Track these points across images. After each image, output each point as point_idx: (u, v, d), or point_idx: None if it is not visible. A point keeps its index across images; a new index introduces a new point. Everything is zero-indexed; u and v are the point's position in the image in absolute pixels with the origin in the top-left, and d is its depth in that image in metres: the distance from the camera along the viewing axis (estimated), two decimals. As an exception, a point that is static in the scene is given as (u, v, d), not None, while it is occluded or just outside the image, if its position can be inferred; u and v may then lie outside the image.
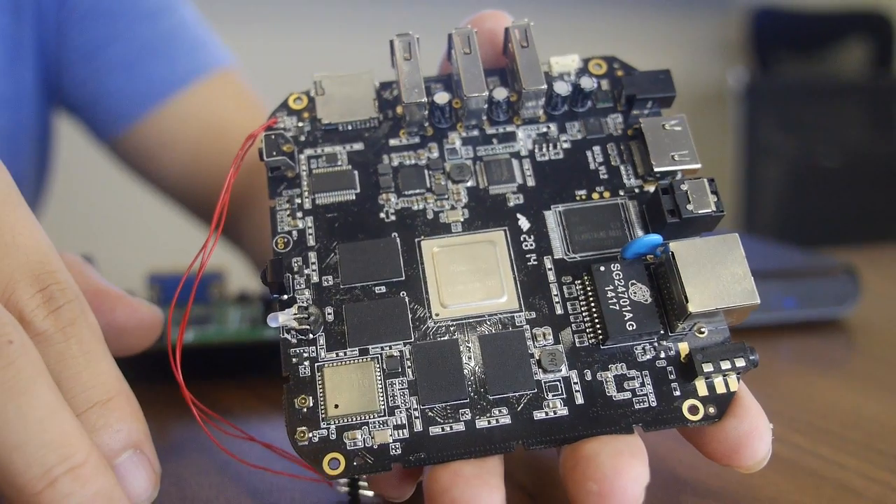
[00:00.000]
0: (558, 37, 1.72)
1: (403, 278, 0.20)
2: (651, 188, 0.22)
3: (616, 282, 0.20)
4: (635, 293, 0.20)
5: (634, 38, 1.84)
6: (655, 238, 0.20)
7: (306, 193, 0.21)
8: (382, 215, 0.21)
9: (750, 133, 1.37)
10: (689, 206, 0.20)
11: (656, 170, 0.21)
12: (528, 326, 0.20)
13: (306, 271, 0.20)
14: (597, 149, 0.23)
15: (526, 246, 0.21)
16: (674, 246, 0.19)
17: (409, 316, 0.20)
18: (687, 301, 0.19)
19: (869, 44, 1.94)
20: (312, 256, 0.21)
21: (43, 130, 0.48)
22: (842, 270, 0.37)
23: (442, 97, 0.22)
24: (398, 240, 0.21)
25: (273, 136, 0.21)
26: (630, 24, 1.88)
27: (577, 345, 0.20)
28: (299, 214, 0.21)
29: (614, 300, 0.19)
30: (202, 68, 0.46)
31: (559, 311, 0.20)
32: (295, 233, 0.21)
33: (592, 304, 0.20)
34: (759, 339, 0.34)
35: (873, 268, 0.42)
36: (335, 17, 1.65)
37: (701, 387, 0.19)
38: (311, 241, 0.21)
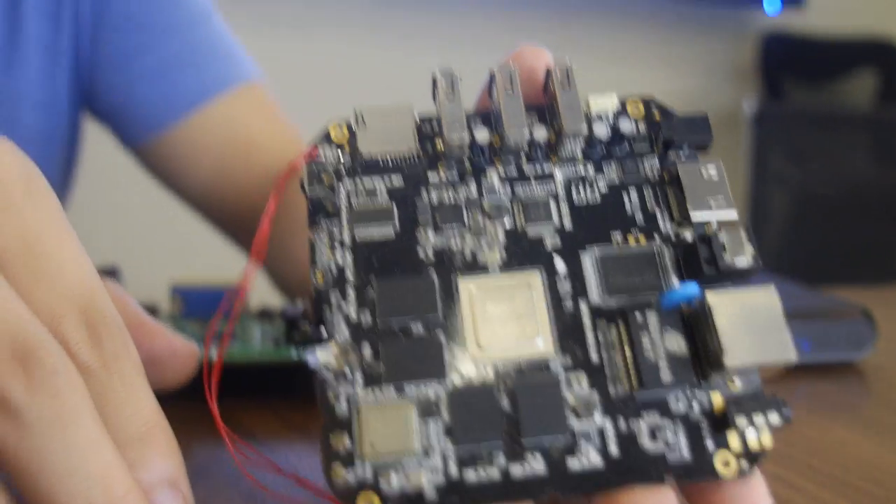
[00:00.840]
0: (575, 55, 1.73)
1: (441, 317, 0.20)
2: (687, 234, 0.22)
3: (652, 331, 0.20)
4: (670, 343, 0.20)
5: (647, 59, 1.85)
6: (693, 289, 0.20)
7: (345, 227, 0.21)
8: (420, 252, 0.21)
9: (758, 161, 1.37)
10: (727, 257, 0.20)
11: (693, 217, 0.21)
12: (562, 371, 0.20)
13: (344, 307, 0.20)
14: (633, 192, 0.23)
15: (562, 289, 0.21)
16: (710, 297, 0.19)
17: (446, 356, 0.20)
18: (723, 354, 0.19)
19: (877, 73, 1.95)
20: (350, 292, 0.21)
21: (73, 135, 0.49)
22: (858, 312, 0.37)
23: (483, 135, 0.22)
24: (436, 278, 0.21)
25: (315, 168, 0.22)
26: (643, 45, 1.88)
27: (612, 393, 0.20)
28: (338, 248, 0.21)
29: (650, 349, 0.19)
30: (230, 80, 0.47)
31: (594, 357, 0.20)
32: (334, 267, 0.21)
33: (627, 353, 0.20)
34: (774, 383, 0.34)
35: (884, 308, 0.42)
36: (350, 25, 1.66)
37: (734, 441, 0.19)
38: (350, 276, 0.21)
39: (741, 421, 0.18)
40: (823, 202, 1.40)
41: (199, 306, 0.33)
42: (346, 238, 0.21)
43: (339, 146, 0.23)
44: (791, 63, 1.89)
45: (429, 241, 0.21)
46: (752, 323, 0.19)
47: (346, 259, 0.21)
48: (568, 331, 0.20)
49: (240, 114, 0.48)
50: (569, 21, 1.81)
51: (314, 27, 1.59)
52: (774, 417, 0.19)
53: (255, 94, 0.49)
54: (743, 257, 0.20)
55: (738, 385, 0.20)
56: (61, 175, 0.50)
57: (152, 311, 0.33)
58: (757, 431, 0.19)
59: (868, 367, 0.37)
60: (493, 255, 0.21)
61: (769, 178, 1.36)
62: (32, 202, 0.18)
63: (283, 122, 0.50)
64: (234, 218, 0.48)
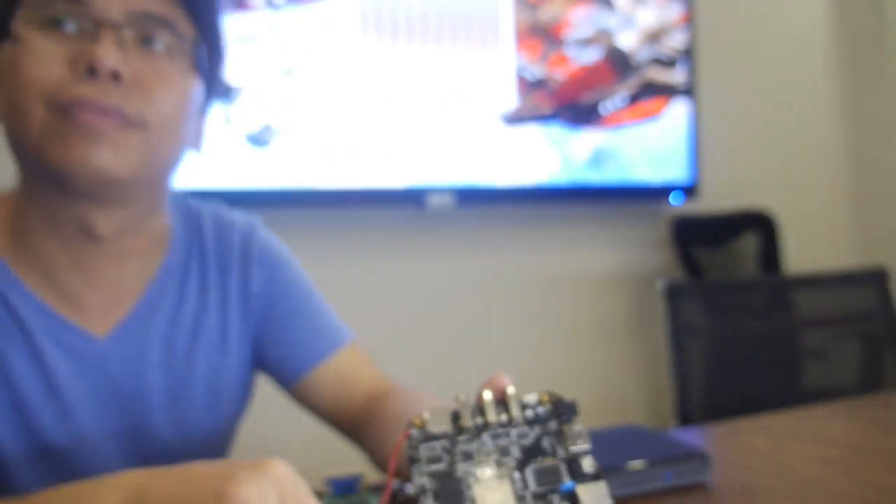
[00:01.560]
0: (536, 240, 2.11)
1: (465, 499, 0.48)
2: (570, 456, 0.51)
3: (556, 502, 0.48)
4: (565, 506, 0.48)
5: (591, 241, 2.25)
6: (571, 484, 0.48)
7: (423, 465, 0.49)
8: (459, 472, 0.49)
9: (673, 320, 1.66)
10: (585, 468, 0.49)
11: (570, 450, 0.51)
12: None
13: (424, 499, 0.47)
14: (545, 438, 0.52)
15: (518, 485, 0.49)
16: (579, 488, 0.47)
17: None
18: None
19: (759, 235, 2.38)
20: (430, 498, 0.48)
21: (248, 396, 0.78)
22: (700, 454, 0.66)
23: (478, 420, 0.52)
24: (464, 488, 0.49)
25: (411, 442, 0.50)
26: (587, 230, 2.30)
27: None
28: (421, 476, 0.48)
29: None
30: (340, 342, 0.77)
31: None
32: (419, 484, 0.48)
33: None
34: (648, 499, 0.60)
35: (726, 441, 0.70)
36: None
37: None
38: (428, 487, 0.48)
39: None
40: (731, 347, 1.70)
41: (341, 488, 0.60)
42: (424, 471, 0.49)
43: (419, 427, 0.51)
44: (695, 235, 2.30)
45: (461, 468, 0.50)
46: (599, 496, 0.48)
47: (424, 480, 0.49)
48: (520, 500, 0.48)
49: (348, 362, 0.76)
50: (532, 215, 2.22)
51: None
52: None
53: (355, 350, 0.78)
54: (591, 468, 0.49)
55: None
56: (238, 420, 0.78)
57: (319, 495, 0.60)
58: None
59: (709, 485, 0.64)
60: (489, 471, 0.49)
61: (685, 332, 1.64)
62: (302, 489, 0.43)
63: (370, 362, 0.79)
64: (347, 425, 0.74)
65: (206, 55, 0.62)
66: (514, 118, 2.11)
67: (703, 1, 2.44)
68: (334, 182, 1.88)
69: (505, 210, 2.18)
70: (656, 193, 2.32)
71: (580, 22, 2.20)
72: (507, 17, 2.10)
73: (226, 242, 0.74)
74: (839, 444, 0.70)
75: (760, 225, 2.35)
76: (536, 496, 0.46)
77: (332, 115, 1.89)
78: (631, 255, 2.37)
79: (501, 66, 2.10)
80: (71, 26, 0.56)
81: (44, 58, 0.55)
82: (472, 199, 2.06)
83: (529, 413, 0.50)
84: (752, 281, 2.01)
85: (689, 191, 2.33)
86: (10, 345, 0.61)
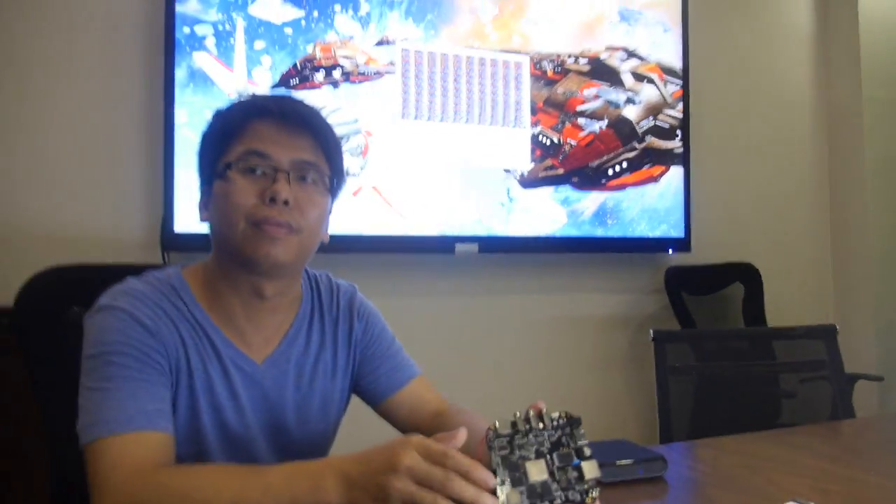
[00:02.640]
0: (550, 285, 2.45)
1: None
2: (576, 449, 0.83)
3: (570, 471, 0.80)
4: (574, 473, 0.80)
5: (598, 285, 2.58)
6: (577, 461, 0.80)
7: (497, 454, 0.80)
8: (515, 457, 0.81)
9: (661, 363, 1.93)
10: (585, 453, 0.81)
11: (578, 444, 0.83)
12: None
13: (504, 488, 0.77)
14: (565, 438, 0.83)
15: (550, 463, 0.81)
16: (583, 464, 0.79)
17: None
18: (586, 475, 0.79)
19: (744, 285, 2.69)
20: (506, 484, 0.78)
21: (344, 405, 1.07)
22: (661, 457, 0.97)
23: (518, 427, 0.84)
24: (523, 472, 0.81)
25: (492, 437, 0.80)
26: (595, 276, 2.63)
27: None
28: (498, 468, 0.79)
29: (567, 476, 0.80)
30: (415, 374, 1.07)
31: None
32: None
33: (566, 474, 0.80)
34: (627, 485, 0.91)
35: (686, 452, 1.02)
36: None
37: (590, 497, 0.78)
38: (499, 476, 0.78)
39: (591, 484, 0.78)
40: (711, 385, 1.97)
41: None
42: (497, 455, 0.79)
43: (494, 430, 0.82)
44: (686, 284, 2.62)
45: (518, 453, 0.80)
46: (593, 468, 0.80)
47: (497, 459, 0.79)
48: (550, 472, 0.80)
49: (419, 389, 1.04)
50: (545, 262, 2.55)
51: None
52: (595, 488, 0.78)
53: (424, 381, 1.07)
54: (588, 453, 0.80)
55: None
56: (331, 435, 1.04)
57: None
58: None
59: (666, 479, 0.95)
60: (532, 455, 0.81)
61: (671, 373, 1.90)
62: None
63: (433, 389, 1.07)
64: (419, 430, 0.99)
65: (335, 182, 0.96)
66: (531, 179, 2.45)
67: (696, 78, 2.78)
68: (379, 230, 2.22)
69: (521, 257, 2.51)
70: (653, 246, 2.65)
71: (590, 97, 2.55)
72: (526, 93, 2.45)
73: (336, 302, 1.03)
74: (761, 457, 1.01)
75: (746, 276, 2.66)
76: (559, 468, 0.77)
77: (376, 175, 2.24)
78: (630, 300, 2.70)
79: (520, 135, 2.45)
80: (259, 171, 0.88)
81: (245, 192, 0.86)
82: (493, 247, 2.39)
83: (554, 423, 0.80)
84: (727, 331, 2.32)
85: (682, 244, 2.66)
86: (210, 365, 0.92)
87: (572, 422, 0.80)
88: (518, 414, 0.77)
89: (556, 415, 0.80)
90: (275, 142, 0.87)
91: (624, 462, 0.92)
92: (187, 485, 0.71)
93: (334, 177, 0.93)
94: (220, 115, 0.92)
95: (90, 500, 0.74)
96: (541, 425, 0.77)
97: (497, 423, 0.77)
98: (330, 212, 0.95)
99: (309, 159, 0.89)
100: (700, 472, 0.99)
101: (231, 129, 0.88)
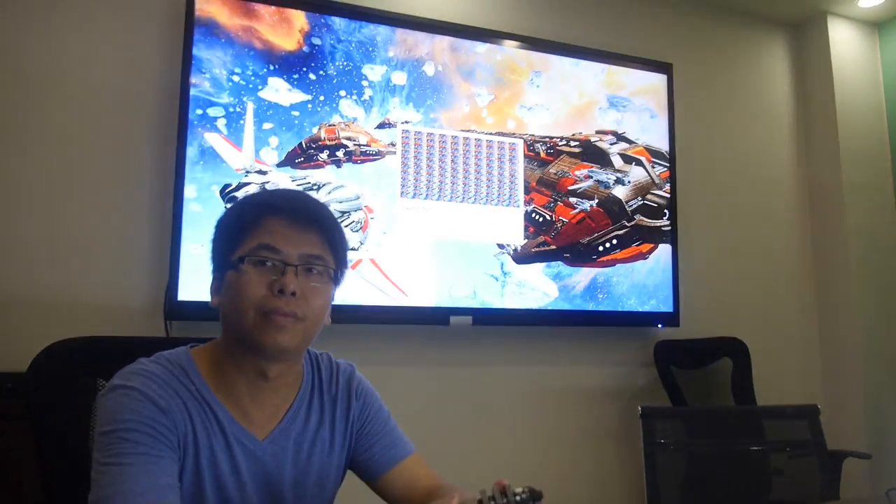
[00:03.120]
0: (543, 357, 2.52)
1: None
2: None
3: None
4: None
5: (591, 359, 2.62)
6: None
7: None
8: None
9: (649, 439, 1.94)
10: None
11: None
12: None
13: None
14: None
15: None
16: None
17: None
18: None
19: (732, 360, 2.74)
20: None
21: (340, 479, 1.09)
22: None
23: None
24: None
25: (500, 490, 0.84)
26: (579, 349, 2.68)
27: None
28: None
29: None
30: (410, 451, 1.10)
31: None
32: None
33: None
34: None
35: None
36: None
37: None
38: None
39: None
40: (698, 462, 1.98)
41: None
42: None
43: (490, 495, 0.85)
44: (674, 357, 2.66)
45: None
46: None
47: None
48: None
49: (412, 467, 1.07)
50: (536, 335, 2.60)
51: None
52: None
53: (417, 459, 1.10)
54: None
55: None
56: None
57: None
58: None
59: None
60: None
61: (658, 448, 1.91)
62: None
63: (426, 465, 1.09)
64: None
65: (338, 273, 1.02)
66: (524, 254, 2.54)
67: (683, 160, 2.92)
68: (377, 301, 2.29)
69: (514, 330, 2.57)
70: (643, 320, 2.72)
71: (581, 177, 2.67)
72: (519, 173, 2.57)
73: (336, 381, 1.08)
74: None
75: (734, 351, 2.71)
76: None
77: (375, 249, 2.33)
78: (620, 373, 2.74)
79: (514, 212, 2.55)
80: (269, 265, 0.94)
81: (255, 283, 0.92)
82: (487, 319, 2.46)
83: (517, 497, 0.81)
84: (712, 409, 2.36)
85: (671, 319, 2.73)
86: (215, 440, 0.96)
87: (534, 495, 0.82)
88: (485, 491, 0.81)
89: (519, 489, 0.82)
90: (285, 237, 0.94)
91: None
92: None
93: (338, 268, 1.00)
94: (235, 209, 0.99)
95: None
96: (504, 501, 0.80)
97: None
98: (332, 299, 1.01)
99: (315, 253, 0.96)
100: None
101: (245, 225, 0.95)
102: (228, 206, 1.03)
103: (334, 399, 1.07)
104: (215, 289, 0.98)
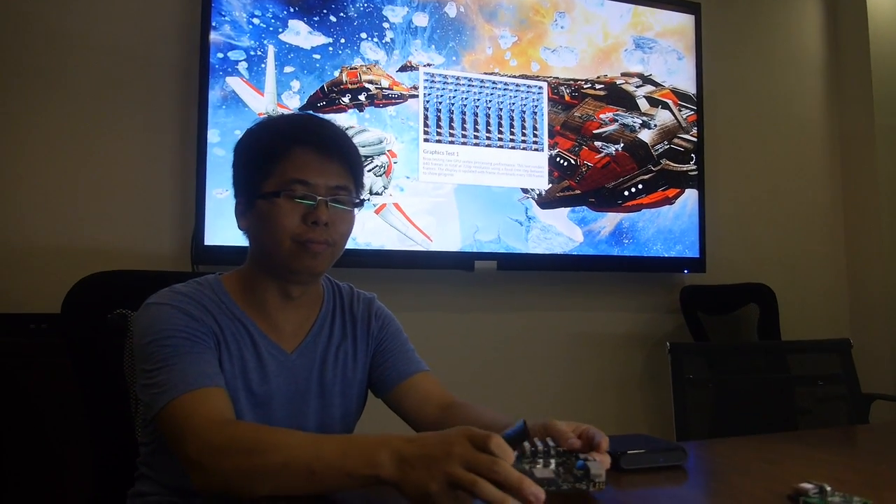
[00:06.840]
0: (574, 303, 2.50)
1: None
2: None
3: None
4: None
5: (618, 302, 2.61)
6: (582, 463, 0.83)
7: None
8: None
9: (678, 374, 1.95)
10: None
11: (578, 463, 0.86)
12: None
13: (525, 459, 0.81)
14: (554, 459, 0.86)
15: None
16: (588, 462, 0.82)
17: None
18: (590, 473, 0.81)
19: (759, 306, 2.71)
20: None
21: (363, 393, 1.12)
22: (681, 447, 0.99)
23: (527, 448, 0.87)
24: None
25: (517, 431, 0.84)
26: (615, 294, 2.66)
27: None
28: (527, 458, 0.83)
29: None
30: (422, 369, 1.12)
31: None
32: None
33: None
34: (649, 473, 0.94)
35: (703, 447, 1.04)
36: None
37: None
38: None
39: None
40: (725, 398, 1.98)
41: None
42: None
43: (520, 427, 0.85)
44: (700, 303, 2.64)
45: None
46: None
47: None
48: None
49: (425, 382, 1.10)
50: (561, 280, 2.59)
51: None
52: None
53: (429, 376, 1.11)
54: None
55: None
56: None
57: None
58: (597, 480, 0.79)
59: (685, 467, 0.97)
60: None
61: (687, 386, 1.91)
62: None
63: (440, 384, 1.13)
64: (425, 426, 1.04)
65: (359, 198, 1.04)
66: (548, 199, 2.51)
67: (710, 103, 2.84)
68: (401, 245, 2.28)
69: (539, 275, 2.55)
70: (669, 266, 2.69)
71: (607, 121, 2.62)
72: (544, 116, 2.52)
73: (357, 304, 1.13)
74: (778, 452, 1.03)
75: (761, 296, 2.68)
76: (564, 469, 0.76)
77: (399, 193, 2.31)
78: (646, 319, 2.72)
79: (538, 157, 2.51)
80: (300, 197, 0.97)
81: (290, 215, 0.96)
82: (512, 264, 2.44)
83: (558, 448, 0.79)
84: (741, 345, 2.34)
85: (697, 265, 2.69)
86: (246, 351, 0.99)
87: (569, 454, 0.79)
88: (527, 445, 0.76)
89: (552, 444, 0.79)
90: (314, 170, 0.97)
91: (646, 450, 0.95)
92: (252, 437, 0.77)
93: (359, 194, 1.04)
94: (260, 137, 1.01)
95: (175, 454, 0.81)
96: (541, 446, 0.77)
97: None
98: (355, 221, 1.05)
99: (342, 183, 1.00)
100: (718, 463, 1.01)
101: (273, 153, 0.97)
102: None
103: (355, 319, 1.12)
104: (241, 212, 1.02)
